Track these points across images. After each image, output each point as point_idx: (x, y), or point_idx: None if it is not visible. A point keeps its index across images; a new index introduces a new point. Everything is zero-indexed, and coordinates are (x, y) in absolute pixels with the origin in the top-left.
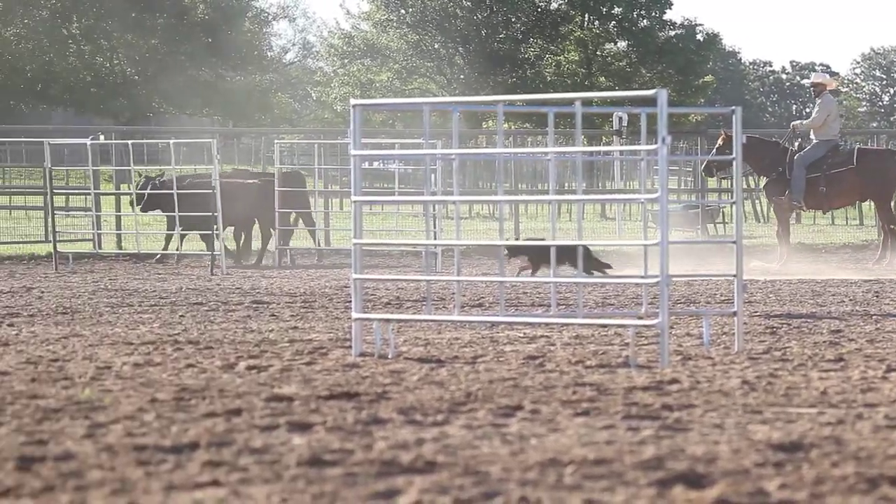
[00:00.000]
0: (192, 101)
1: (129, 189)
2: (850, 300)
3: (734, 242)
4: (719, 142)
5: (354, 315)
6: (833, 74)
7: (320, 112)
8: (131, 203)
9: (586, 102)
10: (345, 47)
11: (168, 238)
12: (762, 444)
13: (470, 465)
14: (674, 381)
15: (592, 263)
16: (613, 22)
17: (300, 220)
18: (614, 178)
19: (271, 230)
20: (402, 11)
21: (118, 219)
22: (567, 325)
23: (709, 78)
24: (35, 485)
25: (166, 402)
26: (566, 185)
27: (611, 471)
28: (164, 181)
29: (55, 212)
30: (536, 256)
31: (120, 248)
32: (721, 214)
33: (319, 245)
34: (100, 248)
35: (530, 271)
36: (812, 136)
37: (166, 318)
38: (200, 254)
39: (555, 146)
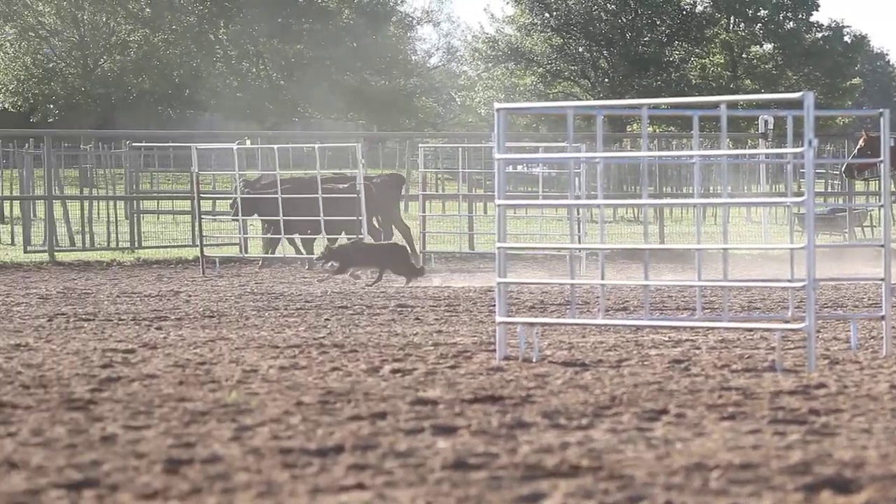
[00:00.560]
0: (337, 106)
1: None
2: None
3: (882, 246)
4: (860, 143)
5: (498, 319)
6: None
7: (464, 116)
8: (231, 207)
9: (731, 105)
10: (489, 51)
11: (269, 242)
12: None
13: (615, 470)
14: (821, 385)
15: (406, 267)
16: (759, 24)
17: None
18: (760, 181)
19: (395, 231)
20: (547, 15)
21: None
22: (712, 328)
23: (856, 80)
24: (182, 487)
25: (312, 406)
26: (711, 188)
27: (757, 475)
28: (265, 184)
29: (202, 216)
30: (346, 258)
31: (266, 252)
32: (868, 217)
33: (418, 251)
34: (246, 252)
35: (343, 272)
36: None
37: (312, 321)
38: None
39: (700, 149)
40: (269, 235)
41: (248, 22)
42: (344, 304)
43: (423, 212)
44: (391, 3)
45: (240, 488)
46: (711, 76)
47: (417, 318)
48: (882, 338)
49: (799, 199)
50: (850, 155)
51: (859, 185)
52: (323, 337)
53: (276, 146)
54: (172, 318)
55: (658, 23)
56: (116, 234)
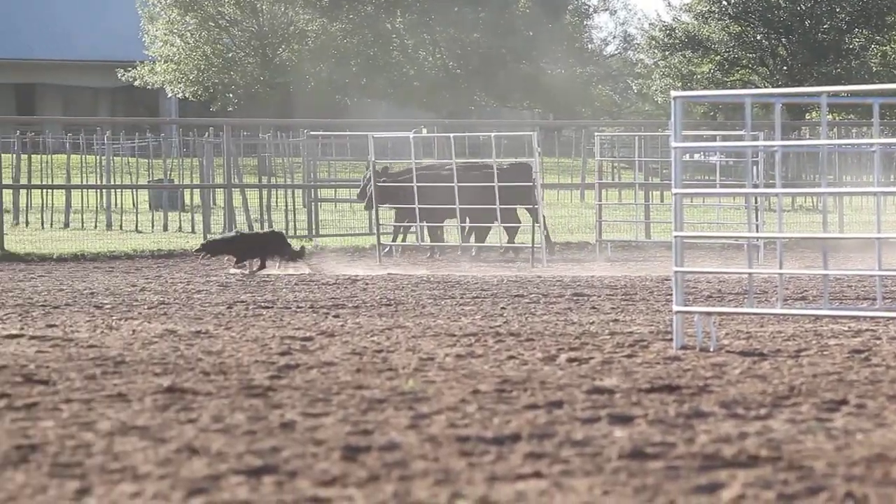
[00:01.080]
0: (513, 95)
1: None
2: None
3: None
4: None
5: (675, 308)
6: None
7: (641, 104)
8: (359, 197)
9: None
10: (666, 39)
11: (398, 231)
12: None
13: (794, 460)
14: None
15: (286, 252)
16: None
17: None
18: None
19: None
20: (724, 3)
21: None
22: (893, 318)
23: None
24: (360, 474)
25: (488, 394)
26: (892, 177)
27: None
28: (393, 174)
29: (379, 205)
30: (219, 250)
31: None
32: None
33: (552, 241)
34: (422, 241)
35: (242, 268)
36: None
37: (488, 310)
38: (520, 246)
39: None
40: (400, 223)
41: (425, 11)
42: (520, 292)
43: (600, 200)
44: None
45: (417, 476)
46: (893, 63)
47: (594, 307)
48: None
49: None
50: None
51: None
52: (499, 325)
53: (451, 135)
54: (350, 305)
55: (838, 10)
56: (294, 222)
